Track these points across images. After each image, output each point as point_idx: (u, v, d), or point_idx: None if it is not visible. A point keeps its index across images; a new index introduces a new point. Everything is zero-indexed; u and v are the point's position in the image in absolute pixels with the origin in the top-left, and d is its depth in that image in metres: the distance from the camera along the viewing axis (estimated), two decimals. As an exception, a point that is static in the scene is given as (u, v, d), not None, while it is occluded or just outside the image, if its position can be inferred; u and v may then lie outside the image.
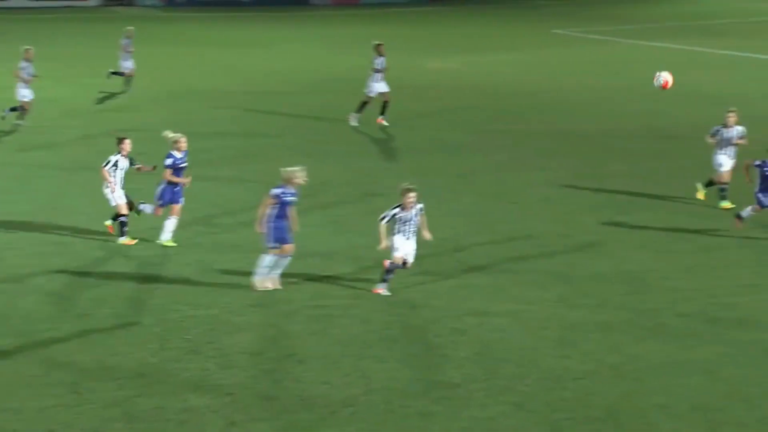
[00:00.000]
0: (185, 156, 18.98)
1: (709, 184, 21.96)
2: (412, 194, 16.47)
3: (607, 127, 30.14)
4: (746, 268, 17.91)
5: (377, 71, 29.45)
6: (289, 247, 16.69)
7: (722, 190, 21.68)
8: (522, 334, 15.17)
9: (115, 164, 19.02)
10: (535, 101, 34.17)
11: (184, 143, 18.91)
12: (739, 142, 21.63)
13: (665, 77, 22.21)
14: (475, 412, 12.72)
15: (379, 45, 29.64)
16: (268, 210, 16.51)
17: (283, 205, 16.53)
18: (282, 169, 16.78)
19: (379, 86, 29.54)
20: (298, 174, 16.61)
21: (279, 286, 16.72)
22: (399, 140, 28.79)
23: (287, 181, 16.61)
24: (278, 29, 54.78)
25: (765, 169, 19.42)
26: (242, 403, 12.94)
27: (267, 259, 16.62)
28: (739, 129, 21.65)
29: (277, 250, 16.59)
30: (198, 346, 14.61)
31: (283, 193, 16.52)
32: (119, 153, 19.11)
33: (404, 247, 16.59)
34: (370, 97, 29.71)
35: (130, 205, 19.19)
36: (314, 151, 27.01)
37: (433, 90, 36.23)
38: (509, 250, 19.11)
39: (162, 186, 18.87)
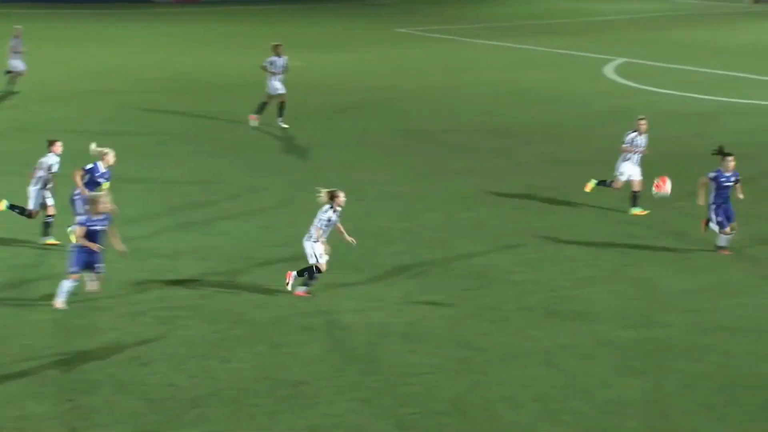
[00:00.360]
0: (108, 172, 18.19)
1: (634, 197, 21.42)
2: (343, 195, 16.36)
3: (449, 125, 30.62)
4: (583, 262, 18.45)
5: (275, 72, 29.13)
6: (97, 274, 15.76)
7: (603, 183, 21.68)
8: (370, 331, 15.30)
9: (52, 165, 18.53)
10: (380, 99, 34.43)
11: (112, 157, 18.17)
12: (647, 151, 21.51)
13: (656, 183, 20.52)
14: (322, 410, 12.78)
15: (277, 46, 29.40)
16: (81, 238, 15.55)
17: (91, 233, 15.55)
18: (88, 193, 16.25)
19: (278, 86, 29.23)
20: (102, 199, 15.65)
21: (98, 289, 15.93)
22: (245, 138, 28.62)
23: (92, 207, 15.64)
24: (120, 26, 53.72)
25: (722, 179, 18.50)
26: (84, 408, 12.68)
27: (66, 285, 15.60)
28: (645, 136, 21.47)
29: (76, 276, 15.62)
30: (38, 351, 14.23)
31: (88, 220, 15.59)
32: (53, 154, 18.53)
33: (324, 251, 16.47)
34: (282, 95, 29.23)
35: (43, 206, 18.55)
36: (159, 151, 26.64)
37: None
38: (356, 247, 19.23)
39: (77, 193, 18.00)
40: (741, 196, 18.87)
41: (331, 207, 16.35)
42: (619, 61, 41.91)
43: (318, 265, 16.37)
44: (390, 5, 65.41)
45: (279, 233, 20.00)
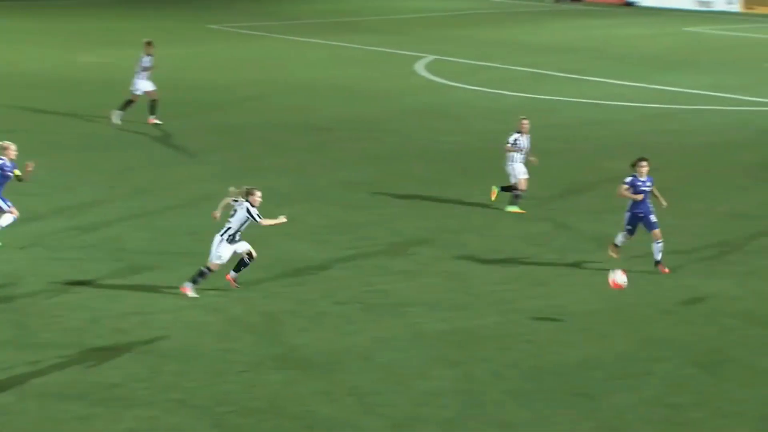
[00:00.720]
0: (13, 165, 18.23)
1: (508, 189, 21.44)
2: (259, 194, 16.37)
3: (263, 121, 30.57)
4: (398, 256, 18.71)
5: (144, 69, 28.75)
6: None
7: (517, 196, 21.39)
8: (185, 331, 15.15)
9: None
10: (192, 96, 34.04)
11: (13, 151, 18.36)
12: (531, 159, 21.42)
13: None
14: (137, 412, 12.58)
15: (148, 43, 29.05)
16: None
17: None
18: None
19: (144, 85, 28.83)
20: None
21: None
22: (51, 136, 27.84)
23: None
24: None
25: (638, 184, 17.71)
26: None
27: None
28: (528, 137, 21.41)
29: None
30: None
31: None
32: None
33: (229, 252, 16.40)
34: (136, 96, 28.89)
35: None
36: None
37: (86, 84, 35.32)
38: (171, 246, 19.01)
39: None
40: (664, 203, 18.08)
41: (249, 203, 16.39)
42: (430, 58, 42.68)
43: (210, 264, 16.38)
44: (201, 1, 64.69)
45: (90, 233, 19.57)
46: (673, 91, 35.35)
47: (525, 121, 21.44)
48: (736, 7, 61.80)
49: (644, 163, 17.82)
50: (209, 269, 16.45)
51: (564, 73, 39.13)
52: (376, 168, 25.20)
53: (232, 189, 16.62)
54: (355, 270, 17.94)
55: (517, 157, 21.32)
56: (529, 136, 21.42)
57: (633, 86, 36.43)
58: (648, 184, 17.87)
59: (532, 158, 21.47)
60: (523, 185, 21.37)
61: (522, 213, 21.24)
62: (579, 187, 23.08)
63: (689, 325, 15.59)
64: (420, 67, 40.57)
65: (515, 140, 21.32)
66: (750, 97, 34.05)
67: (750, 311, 16.10)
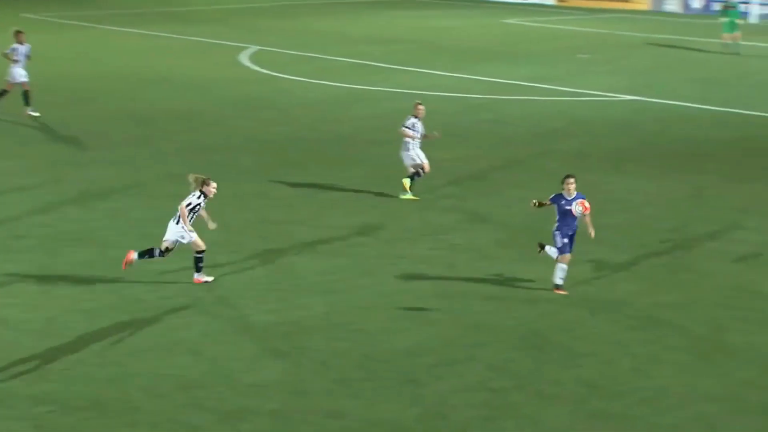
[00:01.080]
0: None
1: (413, 178, 21.46)
2: (214, 185, 16.30)
3: (84, 113, 29.88)
4: (223, 248, 18.55)
5: (17, 60, 28.12)
6: None
7: (413, 178, 21.45)
8: (2, 330, 14.71)
9: None
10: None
11: None
12: (435, 134, 21.49)
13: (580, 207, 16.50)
14: (-47, 416, 12.14)
15: (19, 32, 28.41)
16: None
17: None
18: None
19: (20, 74, 28.28)
20: None
21: None
22: None
23: None
24: None
25: (563, 202, 16.41)
26: None
27: None
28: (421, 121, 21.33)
29: None
30: None
31: None
32: None
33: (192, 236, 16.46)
34: (25, 82, 28.33)
35: None
36: None
37: None
38: (-15, 243, 18.41)
39: None
40: (591, 232, 16.64)
41: (202, 193, 16.30)
42: (254, 48, 42.49)
43: (195, 241, 16.39)
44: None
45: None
46: (493, 81, 36.21)
47: (420, 106, 21.51)
48: (551, 0, 63.71)
49: (571, 180, 16.37)
50: (202, 251, 16.47)
51: (385, 63, 39.56)
52: (201, 159, 24.94)
53: (191, 176, 16.51)
54: (181, 263, 17.70)
55: (414, 143, 21.39)
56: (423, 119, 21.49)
57: (453, 77, 37.13)
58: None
59: (435, 133, 21.67)
60: (426, 168, 21.52)
61: (415, 199, 21.47)
62: (401, 177, 23.39)
63: (510, 310, 16.02)
64: (244, 58, 40.34)
65: (413, 124, 21.37)
66: (565, 87, 35.20)
67: (567, 295, 16.65)
